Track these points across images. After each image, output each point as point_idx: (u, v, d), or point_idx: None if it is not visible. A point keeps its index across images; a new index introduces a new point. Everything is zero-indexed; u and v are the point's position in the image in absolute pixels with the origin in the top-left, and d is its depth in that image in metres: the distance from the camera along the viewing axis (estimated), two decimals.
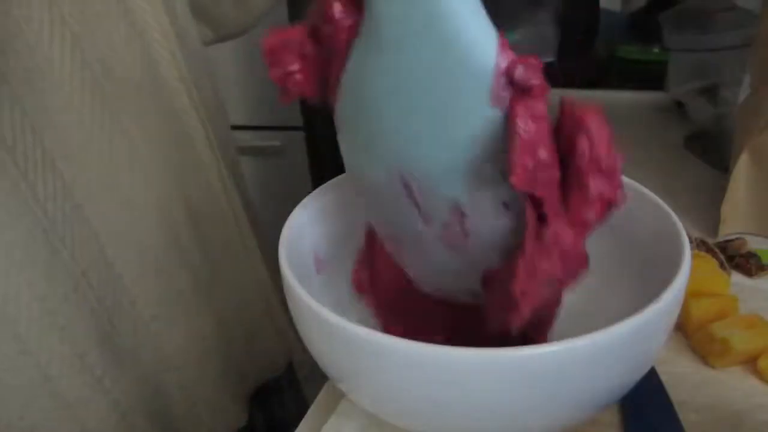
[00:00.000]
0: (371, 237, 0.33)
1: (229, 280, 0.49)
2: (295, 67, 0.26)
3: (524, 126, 0.22)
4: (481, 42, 0.22)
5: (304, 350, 0.29)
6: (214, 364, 0.48)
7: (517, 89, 0.22)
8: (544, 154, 0.22)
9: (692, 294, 0.37)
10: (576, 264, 0.24)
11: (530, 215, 0.23)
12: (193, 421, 0.47)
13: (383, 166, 0.26)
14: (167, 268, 0.43)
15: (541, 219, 0.23)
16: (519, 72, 0.22)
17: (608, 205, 0.23)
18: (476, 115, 0.23)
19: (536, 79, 0.22)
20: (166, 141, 0.42)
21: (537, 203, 0.23)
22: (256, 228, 0.54)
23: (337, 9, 0.24)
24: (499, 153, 0.23)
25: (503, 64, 0.22)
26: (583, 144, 0.23)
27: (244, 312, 0.51)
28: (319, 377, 0.32)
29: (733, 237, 0.47)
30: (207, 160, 0.46)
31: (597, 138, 0.23)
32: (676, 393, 0.33)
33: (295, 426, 0.34)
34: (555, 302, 0.29)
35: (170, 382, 0.45)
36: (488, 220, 0.25)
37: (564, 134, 0.24)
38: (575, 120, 0.23)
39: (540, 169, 0.22)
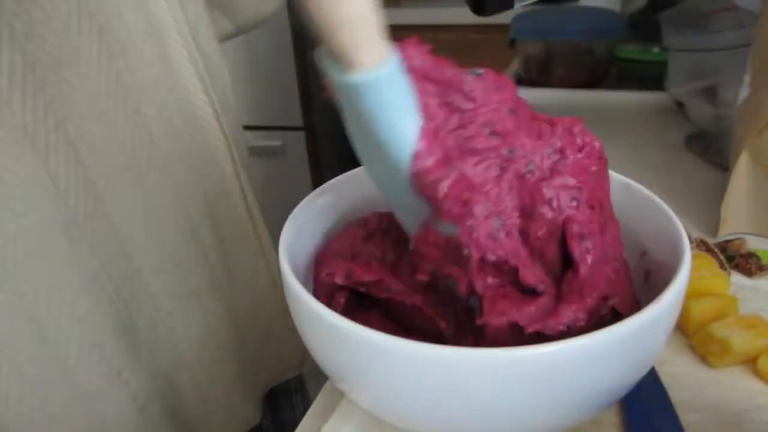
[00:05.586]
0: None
1: (243, 280, 0.49)
2: None
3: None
4: (395, 141, 0.26)
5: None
6: (227, 364, 0.48)
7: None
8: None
9: (692, 294, 0.37)
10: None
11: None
12: (206, 419, 0.48)
13: None
14: (185, 264, 0.43)
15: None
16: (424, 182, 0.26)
17: None
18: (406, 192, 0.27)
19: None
20: (182, 136, 0.42)
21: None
22: (268, 228, 0.54)
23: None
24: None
25: (416, 169, 0.26)
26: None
27: (258, 312, 0.51)
28: (322, 377, 0.32)
29: (733, 237, 0.47)
30: (222, 157, 0.46)
31: None
32: (676, 393, 0.33)
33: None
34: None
35: (184, 379, 0.45)
36: None
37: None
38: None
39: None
